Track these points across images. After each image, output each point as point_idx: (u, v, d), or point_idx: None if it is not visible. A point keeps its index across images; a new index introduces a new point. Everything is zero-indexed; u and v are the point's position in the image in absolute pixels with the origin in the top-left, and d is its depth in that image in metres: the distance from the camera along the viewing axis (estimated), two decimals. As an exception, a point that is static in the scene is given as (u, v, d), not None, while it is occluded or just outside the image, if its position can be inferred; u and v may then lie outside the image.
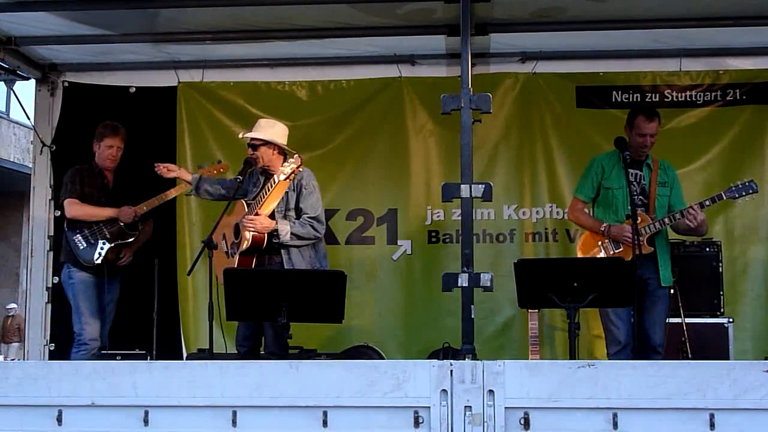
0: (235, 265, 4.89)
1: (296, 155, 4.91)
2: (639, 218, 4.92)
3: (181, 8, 5.39)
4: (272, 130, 5.14)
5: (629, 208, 4.87)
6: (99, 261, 5.41)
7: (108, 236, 5.44)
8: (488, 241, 6.14)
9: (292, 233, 4.89)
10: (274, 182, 4.81)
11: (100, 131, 5.58)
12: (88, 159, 6.32)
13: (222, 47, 6.04)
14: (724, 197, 4.92)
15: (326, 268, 5.13)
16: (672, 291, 5.10)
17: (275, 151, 5.10)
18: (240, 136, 5.23)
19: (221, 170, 5.66)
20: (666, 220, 4.93)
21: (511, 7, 5.30)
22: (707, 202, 4.91)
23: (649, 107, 5.10)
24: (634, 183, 5.04)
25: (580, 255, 5.05)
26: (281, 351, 4.72)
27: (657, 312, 4.93)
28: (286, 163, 4.85)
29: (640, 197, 5.02)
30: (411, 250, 6.18)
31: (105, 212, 5.47)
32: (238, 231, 4.98)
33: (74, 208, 5.47)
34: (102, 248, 5.41)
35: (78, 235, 5.45)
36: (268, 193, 4.85)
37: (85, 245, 5.42)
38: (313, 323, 5.26)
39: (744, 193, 4.91)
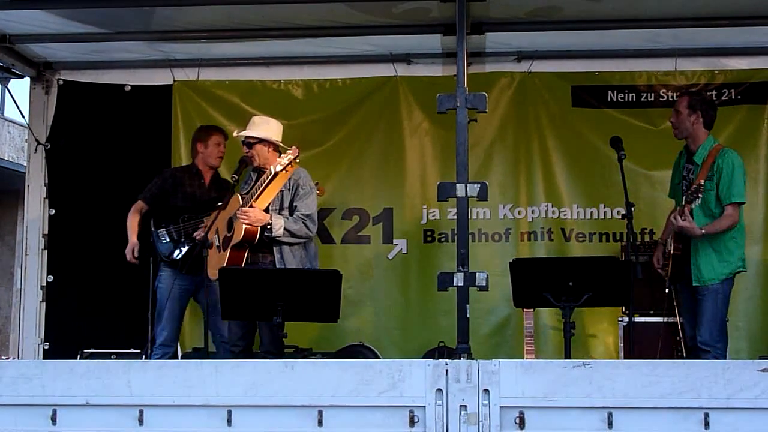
0: (226, 259, 4.88)
1: (293, 147, 4.91)
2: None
3: (177, 6, 5.38)
4: (267, 126, 5.15)
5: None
6: (178, 257, 5.39)
7: (193, 238, 5.38)
8: (484, 240, 6.14)
9: (285, 229, 4.87)
10: (270, 173, 4.83)
11: (204, 131, 5.62)
12: (83, 158, 6.34)
13: (217, 46, 6.04)
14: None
15: (317, 268, 5.14)
16: (667, 290, 5.08)
17: (270, 149, 5.11)
18: (234, 134, 5.23)
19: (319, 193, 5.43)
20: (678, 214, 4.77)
21: (507, 7, 5.29)
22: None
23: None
24: (686, 178, 4.96)
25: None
26: (278, 350, 4.72)
27: (695, 310, 4.86)
28: (282, 156, 4.87)
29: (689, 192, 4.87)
30: (406, 249, 6.17)
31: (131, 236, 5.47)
32: (231, 225, 4.97)
33: (130, 213, 5.53)
34: (182, 248, 5.41)
35: (163, 229, 5.46)
36: (263, 185, 4.85)
37: (167, 240, 5.45)
38: (309, 322, 5.30)
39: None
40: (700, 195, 4.64)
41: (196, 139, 5.66)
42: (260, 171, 5.12)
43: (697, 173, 4.88)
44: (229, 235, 4.96)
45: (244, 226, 4.83)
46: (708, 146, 4.93)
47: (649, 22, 5.54)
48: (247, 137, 5.07)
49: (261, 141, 5.08)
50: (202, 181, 5.61)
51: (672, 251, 4.84)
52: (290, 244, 4.94)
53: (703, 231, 4.76)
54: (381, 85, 6.24)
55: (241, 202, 4.93)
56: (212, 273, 4.88)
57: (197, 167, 5.63)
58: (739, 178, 4.88)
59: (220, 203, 5.10)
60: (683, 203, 4.81)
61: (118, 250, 6.15)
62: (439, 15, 5.30)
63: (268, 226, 4.86)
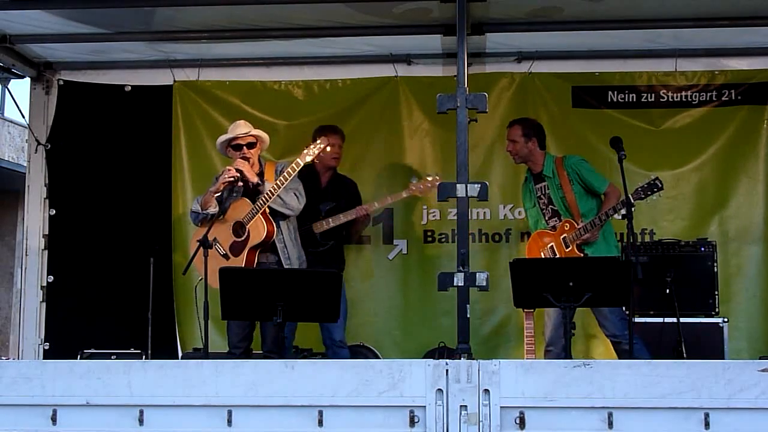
0: (244, 262, 4.91)
1: (321, 137, 4.99)
2: (568, 225, 5.14)
3: (177, 7, 5.38)
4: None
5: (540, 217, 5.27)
6: None
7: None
8: (484, 240, 6.14)
9: (278, 195, 4.92)
10: (298, 165, 4.89)
11: (318, 132, 5.47)
12: (84, 158, 6.35)
13: (218, 46, 6.03)
14: (632, 200, 4.93)
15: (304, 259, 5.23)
16: (668, 291, 5.13)
17: (259, 152, 5.13)
18: (245, 132, 5.12)
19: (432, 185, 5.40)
20: (588, 225, 5.08)
21: (507, 7, 5.30)
22: (619, 206, 4.97)
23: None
24: (542, 197, 5.29)
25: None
26: (281, 350, 4.72)
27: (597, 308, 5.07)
28: (311, 146, 4.93)
29: (550, 207, 5.24)
30: (407, 249, 6.17)
31: None
32: (240, 229, 4.96)
33: None
34: None
35: None
36: (292, 175, 4.91)
37: None
38: (309, 323, 5.30)
39: (650, 193, 4.97)
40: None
41: (312, 141, 5.53)
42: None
43: (555, 185, 5.21)
44: (240, 239, 4.95)
45: (266, 228, 4.86)
46: (551, 159, 5.27)
47: (649, 23, 5.54)
48: (251, 135, 5.06)
49: (258, 141, 5.09)
50: (317, 182, 5.52)
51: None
52: (286, 216, 5.04)
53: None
54: (381, 86, 6.24)
55: (252, 206, 4.93)
56: (212, 280, 4.84)
57: (315, 168, 5.49)
58: (591, 166, 5.24)
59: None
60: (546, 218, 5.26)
61: (118, 250, 6.16)
62: (439, 15, 5.30)
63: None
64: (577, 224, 5.13)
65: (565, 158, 5.31)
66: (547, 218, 5.29)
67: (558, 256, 5.15)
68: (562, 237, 5.18)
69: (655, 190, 4.97)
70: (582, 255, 5.08)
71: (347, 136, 6.17)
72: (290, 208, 5.04)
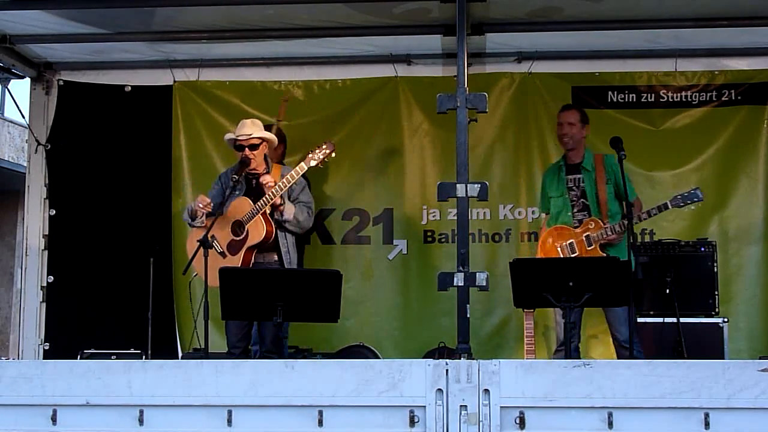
0: (241, 262, 4.90)
1: (328, 142, 4.97)
2: (593, 224, 5.07)
3: (177, 7, 5.38)
4: (263, 129, 5.14)
5: (572, 212, 5.14)
6: None
7: None
8: (484, 240, 6.14)
9: (294, 216, 4.95)
10: (302, 169, 4.88)
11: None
12: (84, 158, 6.35)
13: (218, 46, 6.04)
14: (670, 206, 4.97)
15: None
16: (668, 291, 5.13)
17: (265, 151, 5.12)
18: (247, 134, 5.12)
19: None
20: (617, 227, 5.01)
21: (507, 7, 5.30)
22: (654, 211, 4.98)
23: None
24: (574, 188, 5.20)
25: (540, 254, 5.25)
26: (280, 350, 4.72)
27: (612, 310, 5.00)
28: (317, 150, 4.92)
29: (582, 200, 5.17)
30: (407, 249, 6.18)
31: None
32: (238, 228, 4.96)
33: None
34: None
35: None
36: (295, 178, 4.91)
37: None
38: (309, 323, 5.30)
39: (689, 202, 4.98)
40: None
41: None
42: (248, 176, 5.08)
43: (591, 180, 5.13)
44: (238, 238, 4.95)
45: (265, 228, 4.85)
46: (591, 154, 5.22)
47: (649, 23, 5.55)
48: (251, 137, 5.05)
49: (263, 141, 5.08)
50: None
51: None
52: (294, 233, 5.01)
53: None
54: (381, 86, 6.25)
55: (253, 206, 4.93)
56: (211, 279, 4.83)
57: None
58: (627, 173, 5.16)
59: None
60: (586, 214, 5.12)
61: (118, 250, 6.16)
62: (439, 15, 5.30)
63: (281, 209, 4.89)
64: (604, 224, 5.06)
65: (605, 157, 5.22)
66: (575, 210, 5.18)
67: (578, 253, 5.05)
68: (585, 235, 5.09)
69: (695, 200, 4.96)
70: (604, 255, 4.98)
71: (347, 136, 6.20)
72: (302, 227, 5.07)
